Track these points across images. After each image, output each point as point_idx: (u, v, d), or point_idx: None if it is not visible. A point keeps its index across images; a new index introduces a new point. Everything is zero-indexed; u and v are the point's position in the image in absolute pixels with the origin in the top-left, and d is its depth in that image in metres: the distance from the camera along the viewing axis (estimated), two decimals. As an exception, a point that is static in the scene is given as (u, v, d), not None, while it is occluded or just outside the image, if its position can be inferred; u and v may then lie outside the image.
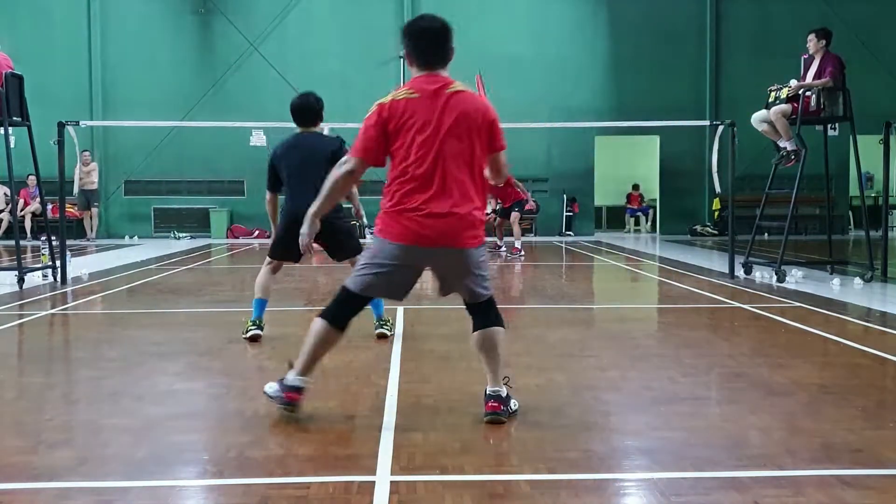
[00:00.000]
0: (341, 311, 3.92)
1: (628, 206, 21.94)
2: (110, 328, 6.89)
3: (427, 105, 3.79)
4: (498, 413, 3.79)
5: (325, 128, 6.48)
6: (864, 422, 3.87)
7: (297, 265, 6.57)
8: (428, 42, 3.97)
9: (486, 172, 3.96)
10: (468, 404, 4.16)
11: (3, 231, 17.68)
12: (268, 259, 6.12)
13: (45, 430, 3.78)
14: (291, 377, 3.84)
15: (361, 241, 6.41)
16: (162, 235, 19.14)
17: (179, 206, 19.43)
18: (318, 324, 3.86)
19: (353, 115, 17.64)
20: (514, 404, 3.92)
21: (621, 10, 19.58)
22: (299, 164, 5.83)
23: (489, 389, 3.86)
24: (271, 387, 3.92)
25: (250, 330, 5.93)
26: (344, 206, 5.94)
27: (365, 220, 6.49)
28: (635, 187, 21.79)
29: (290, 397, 3.83)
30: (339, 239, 5.89)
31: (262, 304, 6.04)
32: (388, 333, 6.06)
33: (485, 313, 3.98)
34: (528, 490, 2.99)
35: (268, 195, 6.12)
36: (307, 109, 5.96)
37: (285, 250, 5.88)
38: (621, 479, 3.16)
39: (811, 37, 9.32)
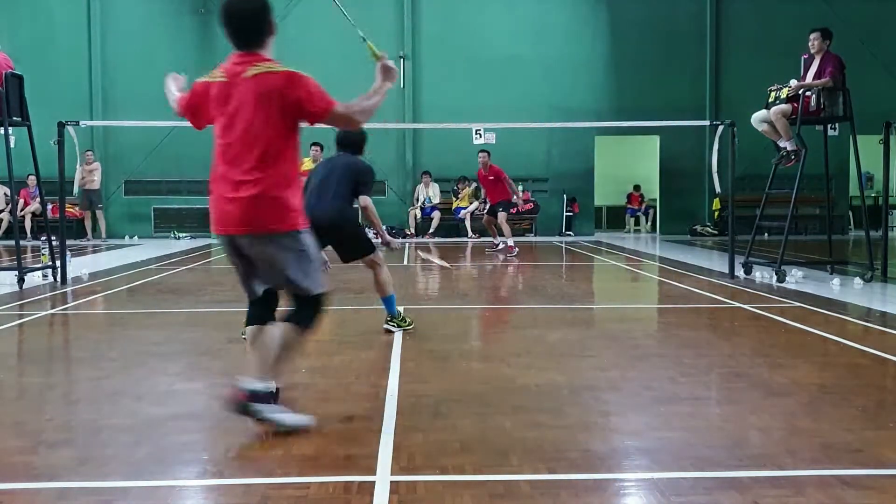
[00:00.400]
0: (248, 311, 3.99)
1: (629, 206, 21.94)
2: (110, 328, 6.89)
3: (227, 87, 3.73)
4: (245, 404, 3.56)
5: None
6: (864, 422, 3.87)
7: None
8: (227, 24, 3.87)
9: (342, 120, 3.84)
10: (468, 404, 4.16)
11: (3, 231, 17.68)
12: None
13: (45, 430, 3.78)
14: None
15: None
16: (162, 235, 19.14)
17: (179, 206, 19.42)
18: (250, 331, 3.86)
19: (353, 115, 17.62)
20: (283, 417, 3.63)
21: (621, 10, 19.58)
22: (326, 174, 6.16)
23: (244, 378, 3.66)
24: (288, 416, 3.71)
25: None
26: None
27: (391, 244, 6.70)
28: (636, 188, 21.79)
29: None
30: (347, 241, 6.16)
31: None
32: (392, 330, 6.17)
33: (296, 308, 3.80)
34: (528, 490, 2.99)
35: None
36: (352, 141, 6.34)
37: None
38: (621, 479, 3.16)
39: (814, 35, 9.30)
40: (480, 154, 14.49)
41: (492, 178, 14.20)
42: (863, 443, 3.51)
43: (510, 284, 10.33)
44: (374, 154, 19.21)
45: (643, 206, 21.75)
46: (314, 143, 14.24)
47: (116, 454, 3.40)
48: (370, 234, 6.74)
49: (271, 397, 3.66)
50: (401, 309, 6.44)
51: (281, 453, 3.41)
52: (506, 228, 13.95)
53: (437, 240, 17.39)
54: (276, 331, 3.77)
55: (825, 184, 10.49)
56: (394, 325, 6.25)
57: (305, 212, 5.93)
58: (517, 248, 13.79)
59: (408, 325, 6.29)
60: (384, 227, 6.51)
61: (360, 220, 6.34)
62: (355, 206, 6.24)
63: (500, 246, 14.25)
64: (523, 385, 4.59)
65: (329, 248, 6.14)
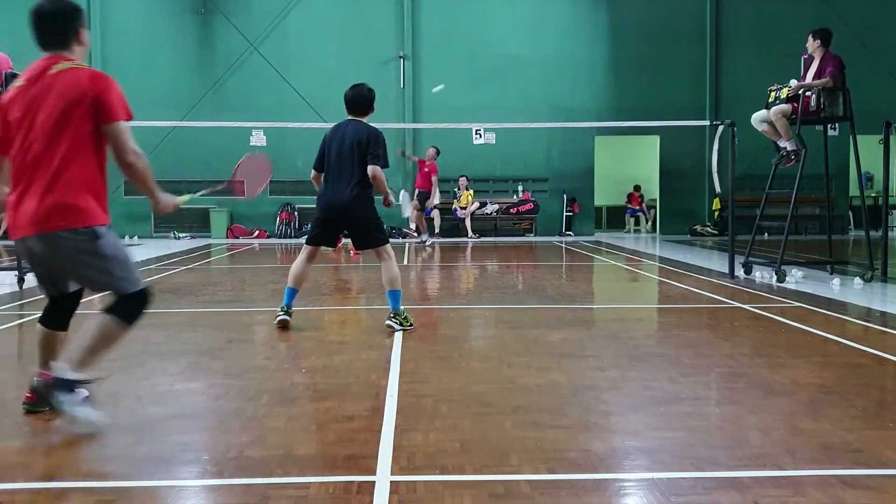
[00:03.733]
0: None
1: (629, 206, 21.95)
2: (110, 328, 6.88)
3: (25, 90, 3.76)
4: (49, 389, 3.55)
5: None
6: (864, 422, 3.87)
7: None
8: (34, 25, 3.96)
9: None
10: (468, 404, 4.16)
11: (3, 231, 17.66)
12: (305, 246, 6.47)
13: (45, 430, 3.77)
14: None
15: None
16: (162, 235, 19.15)
17: (179, 206, 19.41)
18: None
19: (353, 115, 17.61)
20: (80, 411, 3.60)
21: (621, 10, 19.58)
22: (338, 152, 6.23)
23: (58, 363, 3.64)
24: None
25: (279, 316, 6.28)
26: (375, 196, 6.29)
27: (393, 202, 6.66)
28: (636, 188, 21.80)
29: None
30: (360, 229, 6.29)
31: (292, 292, 6.35)
32: (394, 327, 6.20)
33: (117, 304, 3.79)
34: (528, 490, 2.99)
35: (313, 172, 6.49)
36: (358, 99, 6.37)
37: (320, 236, 6.41)
38: (621, 479, 3.16)
39: (815, 36, 9.31)
40: (432, 149, 16.43)
41: (427, 169, 16.20)
42: (863, 443, 3.51)
43: (510, 284, 10.33)
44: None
45: (643, 206, 21.76)
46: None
47: (116, 454, 3.40)
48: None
49: (73, 386, 3.60)
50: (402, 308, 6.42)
51: (281, 453, 3.41)
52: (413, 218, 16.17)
53: (439, 240, 17.38)
54: (97, 321, 3.73)
55: (825, 184, 10.49)
56: (396, 322, 6.23)
57: (321, 199, 6.21)
58: (428, 242, 15.98)
59: (409, 325, 6.27)
60: (391, 192, 6.50)
61: (375, 207, 6.35)
62: (372, 192, 6.26)
63: (424, 241, 16.05)
64: (523, 385, 4.59)
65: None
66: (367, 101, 6.41)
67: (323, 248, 6.71)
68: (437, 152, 16.50)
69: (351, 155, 6.17)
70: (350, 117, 6.41)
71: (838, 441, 3.53)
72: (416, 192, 16.38)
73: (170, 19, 19.25)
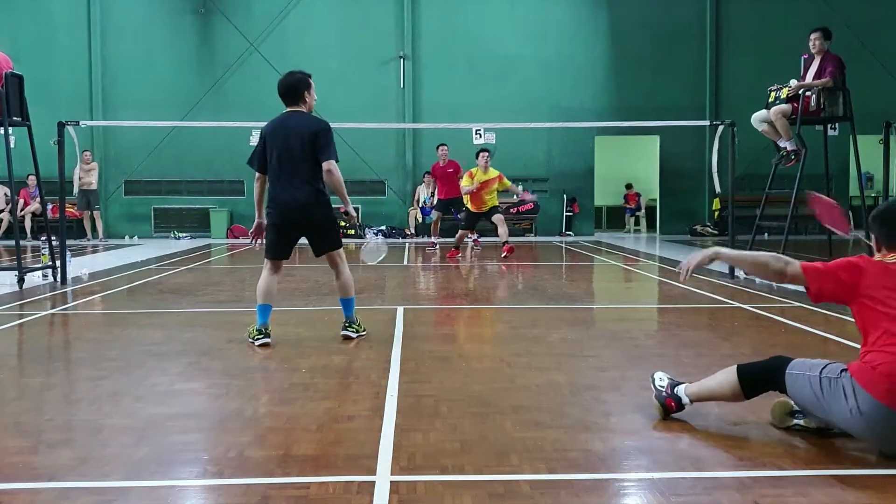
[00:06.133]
0: None
1: (626, 206, 21.96)
2: (110, 328, 6.89)
3: None
4: None
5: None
6: (864, 422, 3.86)
7: (296, 264, 6.56)
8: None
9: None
10: (468, 404, 4.16)
11: (3, 231, 17.68)
12: (266, 260, 5.90)
13: (45, 430, 3.77)
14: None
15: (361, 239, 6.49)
16: (162, 235, 19.15)
17: (179, 206, 19.43)
18: None
19: (352, 115, 17.75)
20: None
21: (621, 10, 19.58)
22: (284, 149, 5.65)
23: None
24: (661, 379, 3.98)
25: (258, 339, 5.70)
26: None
27: (356, 219, 6.13)
28: (628, 186, 21.80)
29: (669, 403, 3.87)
30: (320, 232, 5.80)
31: (265, 309, 5.79)
32: (351, 337, 5.92)
33: None
34: (528, 490, 2.99)
35: (256, 175, 5.86)
36: (287, 85, 5.80)
37: (282, 247, 5.82)
38: (621, 479, 3.16)
39: (815, 35, 9.30)
40: (442, 147, 14.95)
41: (451, 170, 14.78)
42: (863, 443, 3.51)
43: (510, 284, 10.32)
44: (373, 154, 19.31)
45: (638, 203, 21.76)
46: (482, 150, 13.25)
47: (116, 454, 3.40)
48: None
49: None
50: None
51: (281, 453, 3.41)
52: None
53: (439, 240, 17.37)
54: None
55: (825, 184, 10.48)
56: (352, 331, 5.93)
57: (274, 203, 5.74)
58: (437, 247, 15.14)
59: (363, 332, 5.99)
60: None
61: (332, 206, 5.85)
62: (327, 190, 5.76)
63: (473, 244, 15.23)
64: (523, 385, 4.59)
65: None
66: (293, 86, 5.77)
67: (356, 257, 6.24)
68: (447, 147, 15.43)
69: (300, 151, 5.58)
70: (288, 109, 5.83)
71: (838, 441, 3.53)
72: (443, 201, 14.90)
73: (170, 19, 19.25)
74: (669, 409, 3.85)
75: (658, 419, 3.89)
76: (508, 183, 13.55)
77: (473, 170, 13.30)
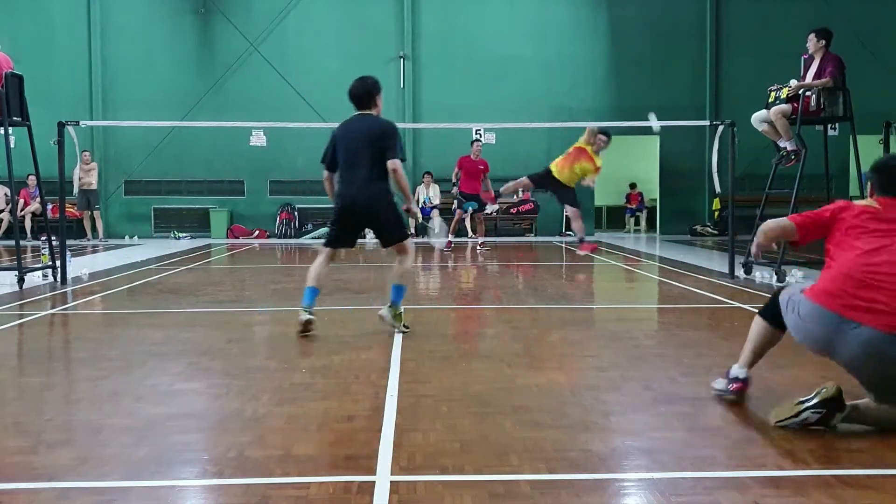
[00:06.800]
0: None
1: (628, 206, 21.95)
2: (110, 328, 6.89)
3: None
4: None
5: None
6: (864, 422, 3.86)
7: (296, 264, 6.56)
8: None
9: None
10: (468, 404, 4.16)
11: (3, 231, 17.68)
12: (323, 248, 6.26)
13: (45, 430, 3.77)
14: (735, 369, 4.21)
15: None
16: (162, 235, 19.15)
17: (179, 206, 19.43)
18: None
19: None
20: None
21: (621, 10, 19.58)
22: (351, 148, 6.01)
23: None
24: (719, 382, 4.27)
25: (301, 316, 6.04)
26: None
27: (419, 216, 6.42)
28: (632, 186, 21.79)
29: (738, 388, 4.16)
30: (385, 225, 6.11)
31: (312, 291, 6.13)
32: (385, 318, 6.12)
33: None
34: (528, 490, 2.99)
35: (325, 173, 6.26)
36: (359, 91, 6.12)
37: (342, 238, 6.23)
38: (621, 479, 3.16)
39: (811, 36, 9.31)
40: (477, 143, 15.11)
41: (481, 166, 14.83)
42: (863, 443, 3.51)
43: (510, 284, 10.33)
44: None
45: (641, 204, 21.76)
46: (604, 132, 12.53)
47: (116, 454, 3.40)
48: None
49: None
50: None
51: (281, 453, 3.41)
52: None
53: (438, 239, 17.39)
54: None
55: (825, 184, 10.49)
56: (389, 315, 6.08)
57: (340, 198, 6.11)
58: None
59: (402, 325, 6.12)
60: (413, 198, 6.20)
61: (396, 203, 6.14)
62: (391, 187, 6.05)
63: (481, 241, 15.14)
64: (523, 385, 4.59)
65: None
66: (366, 91, 6.08)
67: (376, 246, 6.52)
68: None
69: (367, 149, 5.90)
70: (358, 112, 6.15)
71: (838, 441, 3.53)
72: (467, 195, 15.02)
73: (170, 19, 19.25)
74: (742, 391, 4.17)
75: (658, 419, 3.90)
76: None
77: (584, 144, 12.56)
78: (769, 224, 4.19)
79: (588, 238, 13.60)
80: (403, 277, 6.18)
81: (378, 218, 6.07)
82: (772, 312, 4.09)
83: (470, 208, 15.27)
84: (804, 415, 3.62)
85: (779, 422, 3.70)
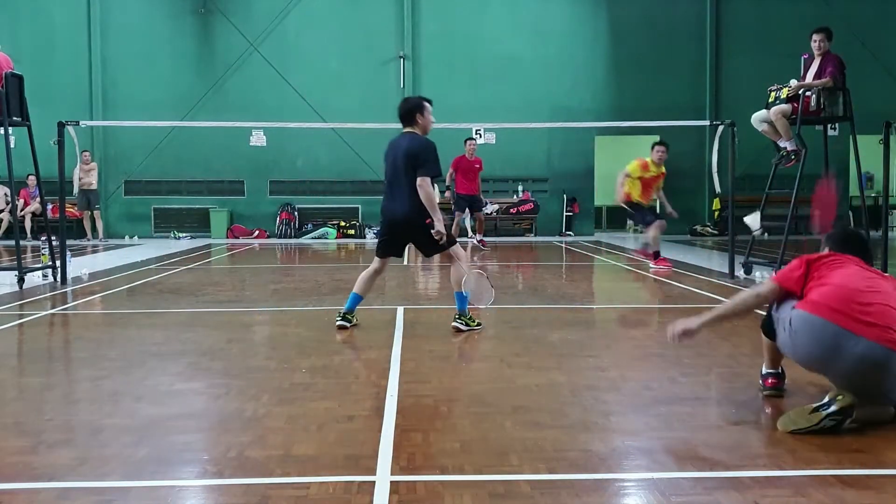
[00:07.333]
0: None
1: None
2: (110, 328, 6.89)
3: None
4: None
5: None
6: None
7: (296, 264, 6.57)
8: None
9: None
10: (468, 404, 4.16)
11: (3, 231, 17.68)
12: (375, 258, 6.58)
13: (45, 430, 3.78)
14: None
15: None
16: (162, 235, 19.14)
17: (179, 206, 19.43)
18: None
19: (352, 115, 17.74)
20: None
21: (621, 10, 19.58)
22: (393, 165, 6.32)
23: None
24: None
25: (336, 320, 6.40)
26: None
27: (444, 236, 6.31)
28: None
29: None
30: (422, 239, 6.32)
31: (355, 298, 6.47)
32: (461, 329, 6.32)
33: None
34: (528, 490, 2.99)
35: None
36: (402, 110, 6.41)
37: (388, 249, 6.53)
38: (621, 479, 3.16)
39: (819, 37, 9.23)
40: (471, 142, 14.98)
41: (477, 165, 14.72)
42: (863, 443, 3.51)
43: (510, 284, 10.32)
44: (373, 154, 19.25)
45: None
46: (658, 143, 11.88)
47: (116, 454, 3.40)
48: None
49: None
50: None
51: (281, 453, 3.41)
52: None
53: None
54: None
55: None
56: (461, 323, 6.32)
57: (382, 213, 6.48)
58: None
59: (476, 325, 6.35)
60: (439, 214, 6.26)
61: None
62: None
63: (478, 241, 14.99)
64: (523, 385, 4.59)
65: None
66: (408, 110, 6.37)
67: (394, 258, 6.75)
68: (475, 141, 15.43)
69: (404, 167, 6.18)
70: (404, 130, 6.42)
71: (838, 441, 3.53)
72: (464, 197, 14.78)
73: (170, 19, 19.24)
74: (776, 385, 4.29)
75: (658, 419, 3.90)
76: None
77: (647, 160, 11.80)
78: (717, 310, 4.25)
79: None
80: (455, 283, 6.35)
81: (416, 233, 6.29)
82: (769, 328, 4.15)
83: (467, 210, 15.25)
84: (823, 423, 3.59)
85: (796, 430, 3.62)
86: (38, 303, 8.21)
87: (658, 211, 12.22)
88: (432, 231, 6.23)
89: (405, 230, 6.36)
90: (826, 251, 4.25)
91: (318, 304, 7.85)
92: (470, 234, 16.06)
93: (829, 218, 5.66)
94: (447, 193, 15.52)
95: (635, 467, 3.28)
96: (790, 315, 3.90)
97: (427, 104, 6.42)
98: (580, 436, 3.64)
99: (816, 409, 3.62)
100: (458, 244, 6.43)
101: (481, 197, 15.22)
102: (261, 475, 3.16)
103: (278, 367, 5.12)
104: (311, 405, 4.15)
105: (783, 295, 4.04)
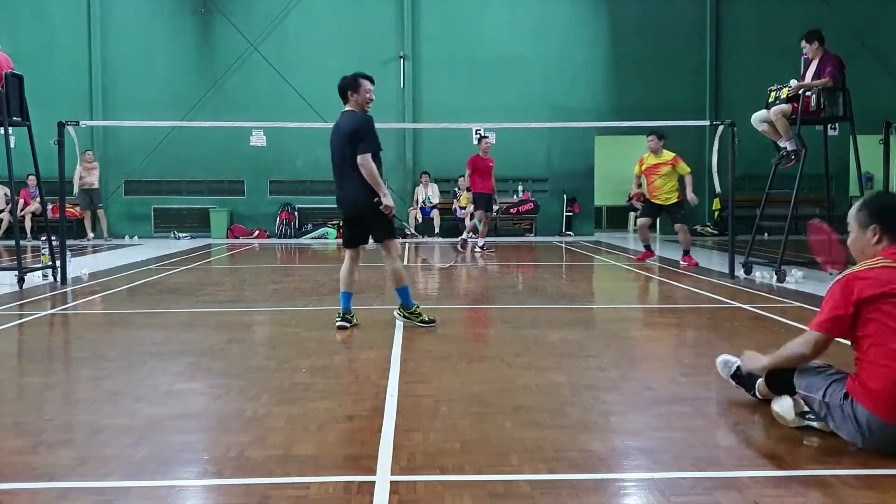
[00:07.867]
0: None
1: (631, 204, 21.92)
2: (110, 328, 6.89)
3: None
4: None
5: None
6: (864, 422, 3.86)
7: (296, 264, 6.57)
8: None
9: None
10: (468, 404, 4.16)
11: (3, 231, 17.68)
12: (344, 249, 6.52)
13: (45, 430, 3.78)
14: None
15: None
16: (162, 235, 19.14)
17: (179, 206, 19.43)
18: None
19: (353, 115, 17.54)
20: None
21: (621, 10, 19.58)
22: (335, 149, 6.16)
23: None
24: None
25: (336, 321, 6.36)
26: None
27: (392, 207, 6.25)
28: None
29: None
30: (373, 223, 6.21)
31: (345, 296, 6.40)
32: (399, 318, 6.39)
33: None
34: (528, 490, 2.99)
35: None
36: (339, 89, 6.22)
37: (351, 239, 6.42)
38: (621, 479, 3.16)
39: (802, 43, 9.34)
40: (486, 140, 14.77)
41: (491, 164, 14.55)
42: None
43: (510, 284, 10.32)
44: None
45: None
46: (651, 133, 11.83)
47: (116, 454, 3.40)
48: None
49: None
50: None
51: (281, 453, 3.41)
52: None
53: (437, 240, 17.39)
54: None
55: (825, 184, 10.49)
56: (400, 316, 6.38)
57: (336, 201, 6.32)
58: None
59: (425, 320, 6.34)
60: (385, 187, 6.16)
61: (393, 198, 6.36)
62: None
63: (481, 243, 14.76)
64: (523, 385, 4.59)
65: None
66: (342, 88, 6.19)
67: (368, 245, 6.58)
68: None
69: (343, 149, 6.04)
70: (344, 109, 6.28)
71: (838, 441, 3.53)
72: (483, 196, 14.45)
73: (170, 19, 19.24)
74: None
75: (658, 419, 3.90)
76: (686, 168, 11.91)
77: (644, 155, 11.97)
78: (776, 357, 3.77)
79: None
80: (396, 279, 6.31)
81: (364, 217, 6.19)
82: (782, 388, 3.75)
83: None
84: (809, 425, 3.62)
85: (781, 420, 3.67)
86: (38, 303, 8.21)
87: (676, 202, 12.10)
88: (381, 208, 6.07)
89: (358, 215, 6.22)
90: (870, 233, 3.48)
91: (318, 304, 7.85)
92: (473, 235, 15.99)
93: (836, 256, 5.07)
94: (469, 193, 15.44)
95: (635, 467, 3.28)
96: (866, 418, 3.30)
97: (364, 80, 6.16)
98: (580, 436, 3.64)
99: (801, 414, 3.66)
100: (398, 238, 6.41)
101: (496, 196, 15.03)
102: (261, 475, 3.16)
103: (278, 367, 5.12)
104: (311, 405, 4.15)
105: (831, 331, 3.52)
